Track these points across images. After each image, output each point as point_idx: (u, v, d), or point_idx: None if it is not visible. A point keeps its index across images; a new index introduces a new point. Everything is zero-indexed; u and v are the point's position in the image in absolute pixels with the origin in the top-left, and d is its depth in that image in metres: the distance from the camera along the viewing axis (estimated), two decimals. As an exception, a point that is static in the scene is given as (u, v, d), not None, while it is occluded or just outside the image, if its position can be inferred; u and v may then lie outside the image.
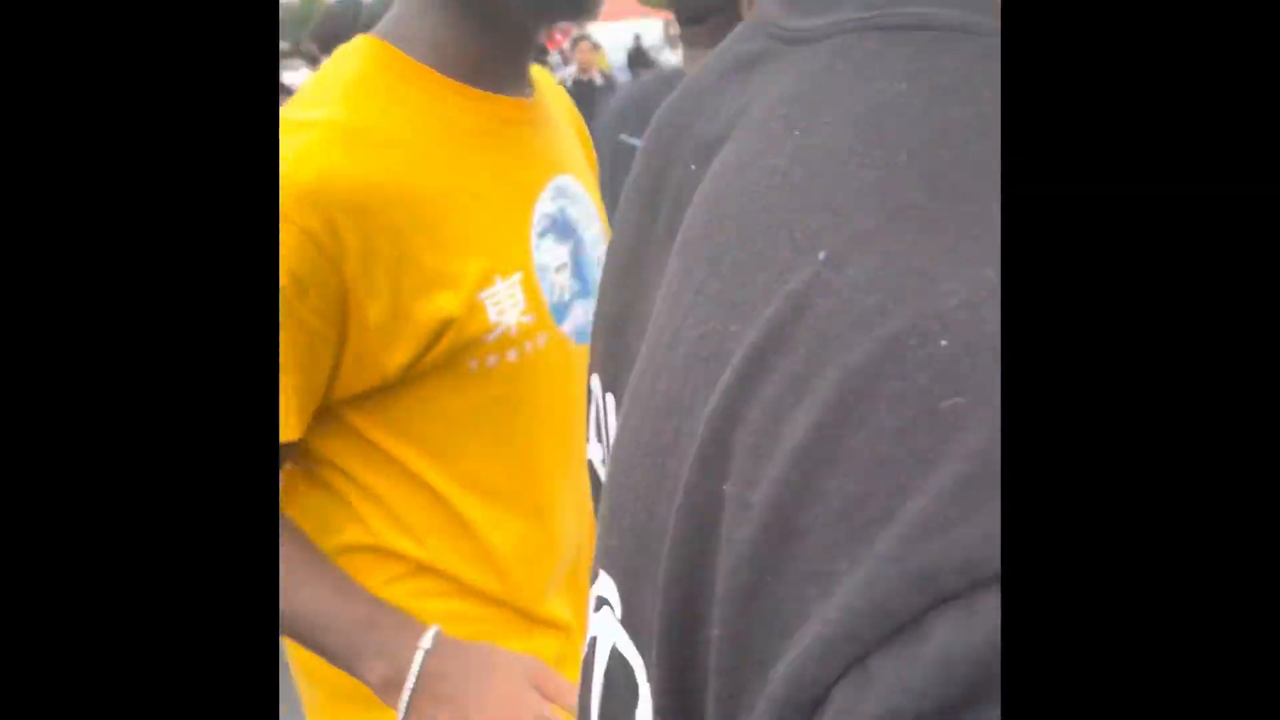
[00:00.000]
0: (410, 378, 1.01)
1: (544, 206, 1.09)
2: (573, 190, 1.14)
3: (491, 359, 1.03)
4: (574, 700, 0.98)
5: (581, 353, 1.12)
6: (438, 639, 1.01)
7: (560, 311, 1.09)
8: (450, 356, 1.01)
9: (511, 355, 1.04)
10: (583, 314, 1.13)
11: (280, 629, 1.03)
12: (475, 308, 1.01)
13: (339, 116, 0.99)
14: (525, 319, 1.04)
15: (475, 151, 1.05)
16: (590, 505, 1.18)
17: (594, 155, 1.28)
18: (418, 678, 0.99)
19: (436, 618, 1.06)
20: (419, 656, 1.00)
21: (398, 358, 0.99)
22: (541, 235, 1.08)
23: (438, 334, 0.99)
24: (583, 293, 1.13)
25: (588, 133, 1.28)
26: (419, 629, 1.01)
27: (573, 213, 1.13)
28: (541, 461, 1.10)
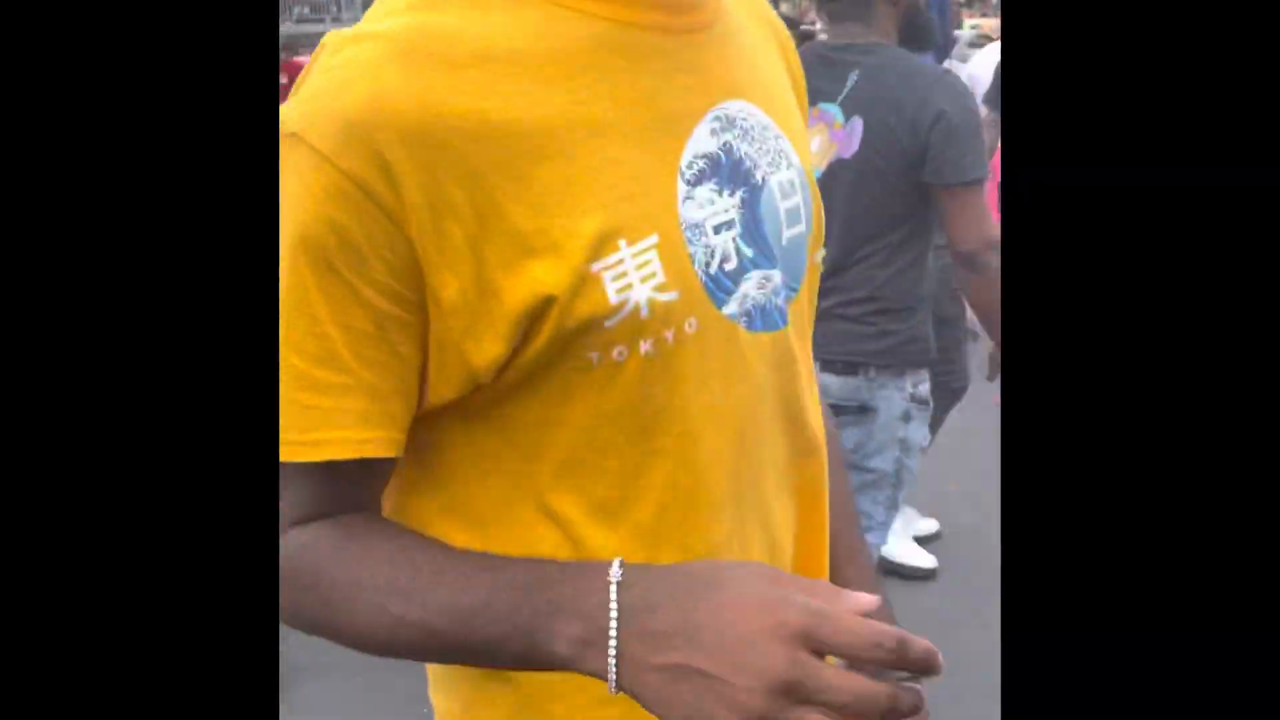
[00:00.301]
0: (522, 378, 0.76)
1: (700, 143, 0.80)
2: (748, 120, 0.84)
3: (618, 351, 0.76)
4: (832, 600, 0.67)
5: (761, 343, 0.83)
6: (627, 568, 0.72)
7: (721, 286, 0.80)
8: (562, 348, 0.75)
9: (646, 347, 0.77)
10: (759, 290, 0.83)
11: (423, 653, 0.78)
12: (587, 282, 0.74)
13: (400, 27, 0.74)
14: (663, 297, 0.76)
15: (598, 71, 0.77)
16: (793, 540, 0.89)
17: (801, 78, 0.98)
18: (619, 620, 0.69)
19: (571, 697, 0.80)
20: (612, 593, 0.70)
21: (487, 350, 0.75)
22: (694, 183, 0.79)
23: (534, 317, 0.74)
24: (761, 260, 0.83)
25: (793, 46, 0.98)
26: (599, 566, 0.72)
27: (745, 150, 0.83)
28: (705, 488, 0.81)
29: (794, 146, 0.88)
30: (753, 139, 0.84)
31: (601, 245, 0.74)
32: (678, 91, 0.80)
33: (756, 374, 0.83)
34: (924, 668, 0.65)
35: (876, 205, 2.23)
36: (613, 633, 0.69)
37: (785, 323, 0.86)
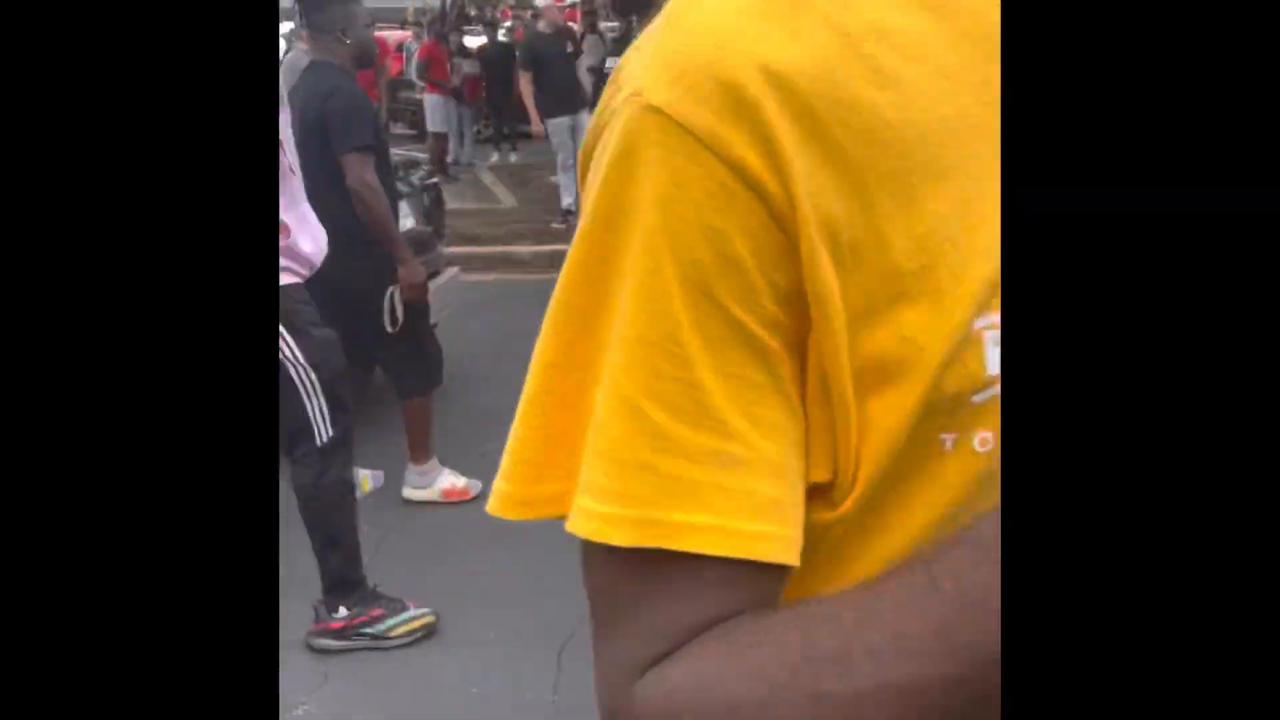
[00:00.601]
0: (874, 472, 0.57)
1: None
2: None
3: (981, 438, 0.57)
4: None
5: None
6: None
7: None
8: (916, 424, 0.56)
9: None
10: None
11: None
12: (967, 343, 0.55)
13: None
14: None
15: None
16: None
17: None
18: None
19: None
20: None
21: (852, 430, 0.56)
22: None
23: (894, 383, 0.55)
24: None
25: None
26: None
27: None
28: None
29: None
30: None
31: (991, 296, 0.55)
32: None
33: None
34: None
35: None
36: None
37: None
